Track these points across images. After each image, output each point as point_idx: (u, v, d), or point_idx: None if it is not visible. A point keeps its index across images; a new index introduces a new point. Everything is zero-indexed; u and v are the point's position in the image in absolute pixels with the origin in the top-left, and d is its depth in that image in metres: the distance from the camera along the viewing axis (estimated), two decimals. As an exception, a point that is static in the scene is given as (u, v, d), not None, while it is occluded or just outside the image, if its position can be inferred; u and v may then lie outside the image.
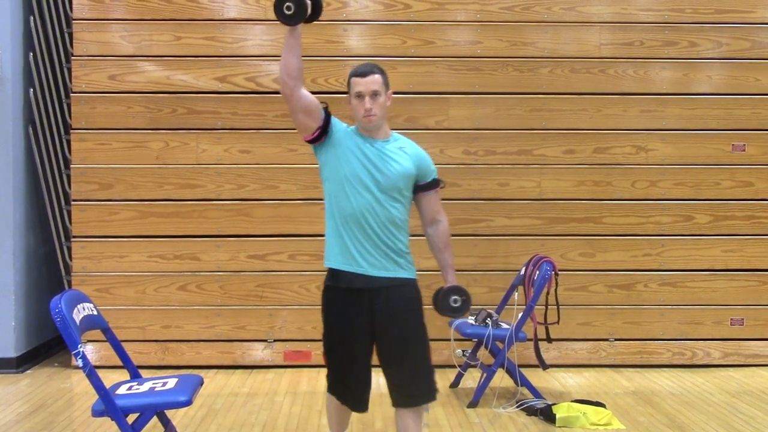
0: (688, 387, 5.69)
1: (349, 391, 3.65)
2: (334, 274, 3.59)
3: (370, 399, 3.69)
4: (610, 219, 6.23)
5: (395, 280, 3.57)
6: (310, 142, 3.62)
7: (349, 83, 3.63)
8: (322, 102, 3.63)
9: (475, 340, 5.46)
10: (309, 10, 3.48)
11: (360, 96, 3.55)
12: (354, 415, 3.96)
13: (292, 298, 6.13)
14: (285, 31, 3.55)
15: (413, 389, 3.58)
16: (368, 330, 3.55)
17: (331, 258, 3.59)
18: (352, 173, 3.54)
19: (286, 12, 3.43)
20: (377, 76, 3.57)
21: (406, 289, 3.62)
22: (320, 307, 3.68)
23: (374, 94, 3.54)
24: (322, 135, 3.58)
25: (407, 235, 3.66)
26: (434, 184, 3.74)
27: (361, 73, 3.57)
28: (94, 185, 6.08)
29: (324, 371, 4.20)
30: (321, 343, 3.82)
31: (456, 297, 3.77)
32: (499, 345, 5.20)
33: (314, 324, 6.04)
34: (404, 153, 3.64)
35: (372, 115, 3.54)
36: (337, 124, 3.63)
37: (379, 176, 3.54)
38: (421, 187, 3.69)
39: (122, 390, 3.70)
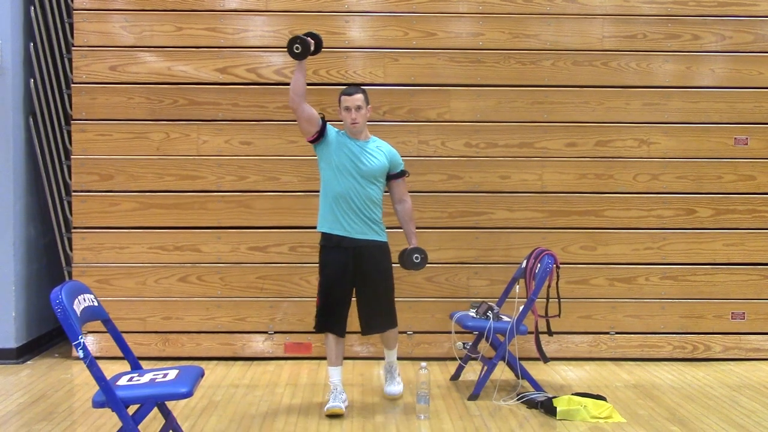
0: (688, 381, 5.69)
1: (333, 319, 4.88)
2: (326, 237, 4.90)
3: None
4: (612, 212, 6.22)
5: (371, 242, 4.89)
6: (311, 142, 4.91)
7: (339, 100, 4.89)
8: (319, 113, 4.88)
9: (476, 332, 5.45)
10: (312, 48, 4.83)
11: (348, 109, 4.85)
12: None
13: (292, 290, 6.13)
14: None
15: (378, 321, 4.98)
16: (350, 276, 4.87)
17: (324, 224, 4.90)
18: (341, 164, 4.83)
19: (295, 51, 4.76)
20: (360, 95, 4.86)
21: (379, 248, 4.93)
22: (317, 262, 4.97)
23: (358, 108, 4.84)
24: (319, 137, 4.87)
25: (381, 209, 4.96)
26: (402, 173, 5.05)
27: (348, 93, 4.88)
28: (94, 176, 6.08)
29: (324, 363, 5.71)
30: (321, 334, 5.19)
31: (417, 255, 5.01)
32: (500, 338, 5.20)
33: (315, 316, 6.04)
34: (380, 150, 4.94)
35: (356, 123, 4.84)
36: (330, 129, 4.91)
37: (361, 166, 4.83)
38: (392, 176, 5.02)
39: (123, 381, 3.70)
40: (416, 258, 5.00)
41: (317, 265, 4.95)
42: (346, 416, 4.79)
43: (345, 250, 4.84)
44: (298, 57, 4.77)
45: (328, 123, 4.90)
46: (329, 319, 4.90)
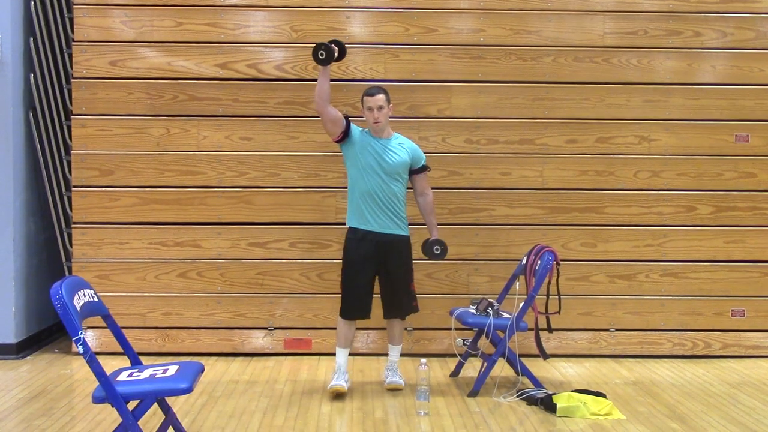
0: (688, 378, 5.69)
1: (357, 305, 5.18)
2: (353, 231, 5.17)
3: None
4: (612, 209, 6.22)
5: (395, 236, 5.17)
6: (337, 142, 5.18)
7: (362, 100, 5.15)
8: (344, 114, 5.14)
9: (476, 329, 5.45)
10: (336, 54, 5.08)
11: (370, 109, 5.10)
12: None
13: (292, 286, 6.12)
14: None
15: (399, 307, 5.29)
16: (374, 266, 5.16)
17: (352, 220, 5.19)
18: (365, 162, 5.10)
19: (320, 57, 5.02)
20: (382, 96, 5.12)
21: (402, 242, 5.22)
22: (341, 256, 5.26)
23: (380, 108, 5.09)
24: (344, 137, 5.14)
25: (404, 204, 5.21)
26: (423, 168, 5.31)
27: (371, 93, 5.13)
28: (94, 171, 6.07)
29: (324, 359, 6.00)
30: (321, 330, 6.04)
31: (437, 246, 5.27)
32: (500, 334, 5.20)
33: (315, 312, 6.05)
34: (402, 147, 5.20)
35: (378, 122, 5.11)
36: (354, 129, 5.18)
37: (384, 164, 5.09)
38: (414, 171, 5.27)
39: (123, 377, 3.70)
40: (436, 249, 5.24)
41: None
42: (345, 412, 4.80)
43: (369, 243, 5.11)
44: (323, 63, 5.03)
45: (352, 123, 5.15)
46: (354, 306, 5.19)
